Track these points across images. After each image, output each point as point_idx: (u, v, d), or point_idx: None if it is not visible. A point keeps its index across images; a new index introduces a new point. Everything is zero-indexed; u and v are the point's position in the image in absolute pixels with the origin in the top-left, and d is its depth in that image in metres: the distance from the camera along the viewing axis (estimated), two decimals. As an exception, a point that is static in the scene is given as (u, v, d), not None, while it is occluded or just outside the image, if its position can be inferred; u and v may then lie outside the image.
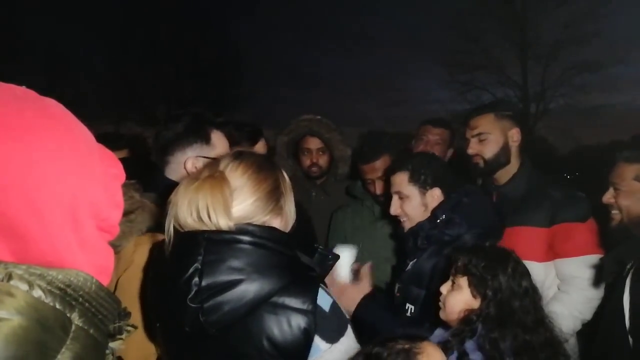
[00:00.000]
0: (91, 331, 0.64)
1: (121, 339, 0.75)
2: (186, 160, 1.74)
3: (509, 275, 1.52)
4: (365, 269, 2.04)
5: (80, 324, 0.63)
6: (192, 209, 1.20)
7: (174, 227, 1.23)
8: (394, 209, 2.08)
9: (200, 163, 1.70)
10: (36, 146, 0.63)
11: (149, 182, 1.73)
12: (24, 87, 0.69)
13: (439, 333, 1.63)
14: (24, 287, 0.59)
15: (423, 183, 2.01)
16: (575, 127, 16.06)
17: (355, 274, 2.05)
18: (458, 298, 1.58)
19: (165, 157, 1.78)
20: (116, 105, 16.94)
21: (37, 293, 0.59)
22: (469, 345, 1.46)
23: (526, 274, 1.57)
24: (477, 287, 1.54)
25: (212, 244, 1.20)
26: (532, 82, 17.72)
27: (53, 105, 0.70)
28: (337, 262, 2.00)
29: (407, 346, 1.17)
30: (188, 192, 1.22)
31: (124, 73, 17.13)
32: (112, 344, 0.73)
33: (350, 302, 1.93)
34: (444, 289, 1.64)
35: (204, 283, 1.17)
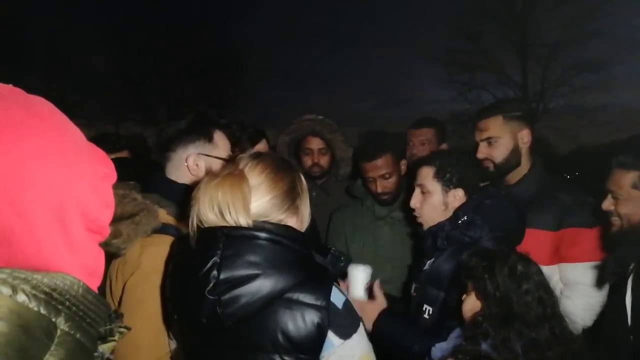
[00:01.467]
0: (77, 336, 0.62)
1: (114, 340, 0.74)
2: (187, 157, 1.74)
3: (504, 274, 1.54)
4: (377, 287, 2.04)
5: (66, 329, 0.61)
6: (213, 206, 1.25)
7: (196, 223, 1.28)
8: (415, 202, 2.06)
9: (201, 161, 1.73)
10: (20, 145, 0.61)
11: (148, 182, 1.73)
12: (10, 85, 0.67)
13: (455, 335, 1.64)
14: (7, 291, 0.57)
15: (447, 181, 1.99)
16: (575, 127, 16.07)
17: (369, 291, 2.04)
18: (468, 303, 1.61)
19: (167, 153, 1.78)
20: (116, 105, 16.93)
21: (21, 298, 0.58)
22: (484, 347, 1.48)
23: (527, 273, 1.56)
24: (479, 288, 1.57)
25: (230, 239, 1.24)
26: (532, 82, 17.72)
27: (39, 104, 0.68)
28: (351, 282, 2.01)
29: None
30: (209, 189, 1.26)
31: (124, 73, 17.11)
32: (102, 347, 0.72)
33: (368, 319, 1.92)
34: (463, 298, 1.66)
35: (222, 276, 1.22)
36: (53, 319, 0.60)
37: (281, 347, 1.24)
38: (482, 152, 2.32)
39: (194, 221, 1.28)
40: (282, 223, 1.32)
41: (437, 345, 1.63)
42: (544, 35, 17.03)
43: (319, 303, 1.25)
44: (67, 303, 0.62)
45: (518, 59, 17.65)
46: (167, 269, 1.47)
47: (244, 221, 1.24)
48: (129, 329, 0.76)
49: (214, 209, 1.25)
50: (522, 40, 17.44)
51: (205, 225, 1.28)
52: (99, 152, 0.73)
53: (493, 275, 1.54)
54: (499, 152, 2.30)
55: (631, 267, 1.82)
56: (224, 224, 1.25)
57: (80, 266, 0.65)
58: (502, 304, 1.51)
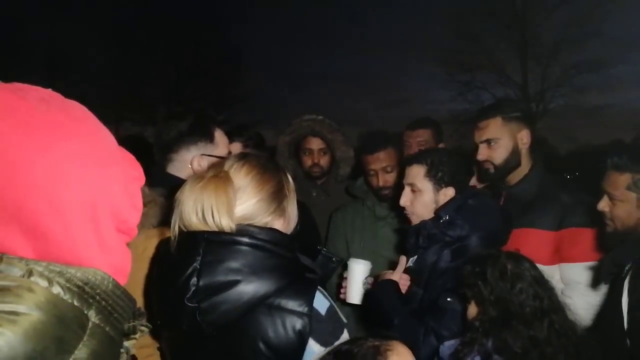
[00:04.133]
0: (107, 329, 0.65)
1: (135, 338, 0.76)
2: (192, 159, 1.77)
3: (496, 277, 1.56)
4: (402, 260, 2.00)
5: (97, 322, 0.64)
6: (197, 209, 1.22)
7: (179, 226, 1.25)
8: (404, 200, 2.04)
9: (205, 161, 1.75)
10: (59, 147, 0.64)
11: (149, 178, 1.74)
12: (49, 89, 0.71)
13: (451, 343, 1.65)
14: (44, 283, 0.60)
15: (439, 180, 1.98)
16: (575, 127, 16.07)
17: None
18: (470, 312, 1.63)
19: (169, 155, 1.79)
20: (116, 105, 16.92)
21: (56, 290, 0.61)
22: (490, 346, 1.49)
23: (519, 271, 1.58)
24: (475, 296, 1.60)
25: (211, 245, 1.21)
26: (532, 82, 17.71)
27: (77, 108, 0.71)
28: (350, 275, 2.03)
29: (376, 343, 1.20)
30: (193, 192, 1.23)
31: (124, 73, 17.12)
32: (126, 343, 0.74)
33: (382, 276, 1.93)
34: (467, 309, 1.67)
35: (201, 283, 1.19)
36: (85, 312, 0.63)
37: (262, 354, 1.21)
38: (482, 153, 2.32)
39: (176, 225, 1.25)
40: (269, 226, 1.29)
41: (446, 343, 1.64)
42: (543, 35, 17.04)
43: (300, 309, 1.22)
44: (98, 297, 0.65)
45: (518, 59, 17.64)
46: (151, 273, 1.45)
47: (226, 225, 1.21)
48: (149, 327, 0.78)
49: (197, 212, 1.22)
50: (522, 40, 17.44)
51: (188, 229, 1.24)
52: (129, 155, 0.76)
53: (485, 280, 1.56)
54: (499, 154, 2.30)
55: (627, 268, 1.82)
56: (206, 228, 1.22)
57: (109, 264, 0.68)
58: (498, 306, 1.53)
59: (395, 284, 1.91)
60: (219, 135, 1.85)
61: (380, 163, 2.67)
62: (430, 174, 1.99)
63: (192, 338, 1.27)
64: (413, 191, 2.02)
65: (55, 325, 0.58)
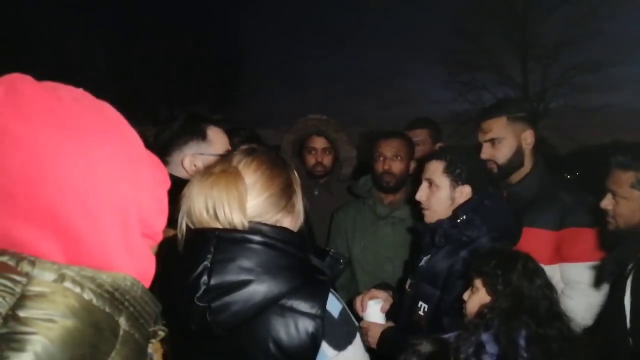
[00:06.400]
0: (136, 335, 0.64)
1: (153, 342, 0.75)
2: (183, 159, 1.74)
3: (518, 271, 1.56)
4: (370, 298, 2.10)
5: (127, 328, 0.63)
6: (207, 205, 1.18)
7: (186, 223, 1.21)
8: (421, 195, 2.04)
9: (198, 160, 1.71)
10: (94, 149, 0.63)
11: None
12: (81, 89, 0.70)
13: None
14: (76, 289, 0.59)
15: (457, 177, 1.98)
16: (575, 127, 16.05)
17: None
18: (475, 299, 1.62)
19: (164, 158, 1.76)
20: (117, 105, 16.88)
21: (88, 296, 0.60)
22: (485, 337, 1.49)
23: (538, 270, 1.60)
24: (490, 285, 1.59)
25: (222, 243, 1.17)
26: (532, 82, 17.70)
27: (108, 109, 0.71)
28: (371, 316, 2.06)
29: None
30: (203, 187, 1.19)
31: (125, 73, 17.11)
32: (148, 349, 0.73)
33: (374, 337, 1.99)
34: (466, 295, 1.67)
35: (212, 282, 1.15)
36: (116, 318, 0.62)
37: (272, 356, 1.18)
38: (486, 153, 2.32)
39: (183, 222, 1.21)
40: (279, 223, 1.26)
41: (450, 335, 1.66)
42: (544, 35, 17.01)
43: (314, 311, 1.18)
44: (126, 303, 0.64)
45: (518, 59, 17.64)
46: (156, 271, 1.43)
47: (238, 221, 1.18)
48: (166, 331, 0.77)
49: (208, 208, 1.18)
50: (523, 40, 17.43)
51: (197, 226, 1.20)
52: (156, 159, 0.75)
53: (507, 272, 1.56)
54: (503, 153, 2.30)
55: (630, 267, 1.83)
56: (216, 224, 1.18)
57: (135, 270, 0.67)
58: (512, 299, 1.53)
59: (389, 330, 1.97)
60: (214, 133, 1.80)
61: (393, 150, 2.70)
62: (449, 170, 1.98)
63: (199, 339, 1.23)
64: (430, 186, 2.03)
65: (90, 333, 0.57)
